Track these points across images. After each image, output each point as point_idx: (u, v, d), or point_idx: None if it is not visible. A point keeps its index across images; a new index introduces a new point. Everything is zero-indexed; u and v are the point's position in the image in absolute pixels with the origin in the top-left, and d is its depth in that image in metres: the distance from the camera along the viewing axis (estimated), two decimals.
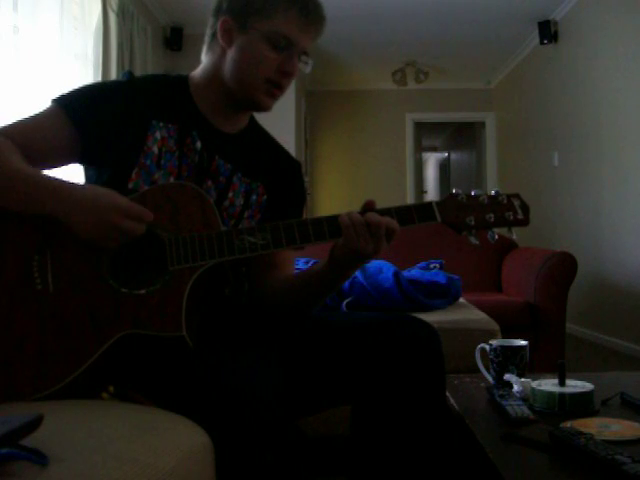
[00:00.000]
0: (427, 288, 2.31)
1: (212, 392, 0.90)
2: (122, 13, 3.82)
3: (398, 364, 1.04)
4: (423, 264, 2.61)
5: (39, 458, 0.65)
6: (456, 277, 2.46)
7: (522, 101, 6.22)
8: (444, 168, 10.55)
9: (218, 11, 1.17)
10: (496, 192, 1.10)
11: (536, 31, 5.23)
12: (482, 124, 7.40)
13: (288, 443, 0.92)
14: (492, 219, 1.08)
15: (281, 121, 5.24)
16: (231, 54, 1.15)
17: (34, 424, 0.68)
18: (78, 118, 1.11)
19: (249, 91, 1.15)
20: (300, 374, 1.10)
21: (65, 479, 0.63)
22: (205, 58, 1.22)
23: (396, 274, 2.26)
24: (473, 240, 1.09)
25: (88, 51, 3.48)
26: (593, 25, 4.47)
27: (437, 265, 2.64)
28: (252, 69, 1.14)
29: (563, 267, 2.94)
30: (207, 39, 1.21)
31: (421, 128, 7.70)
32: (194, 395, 0.91)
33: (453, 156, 9.86)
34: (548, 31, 5.12)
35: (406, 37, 5.66)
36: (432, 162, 11.55)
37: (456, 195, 1.09)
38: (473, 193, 1.10)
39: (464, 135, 8.60)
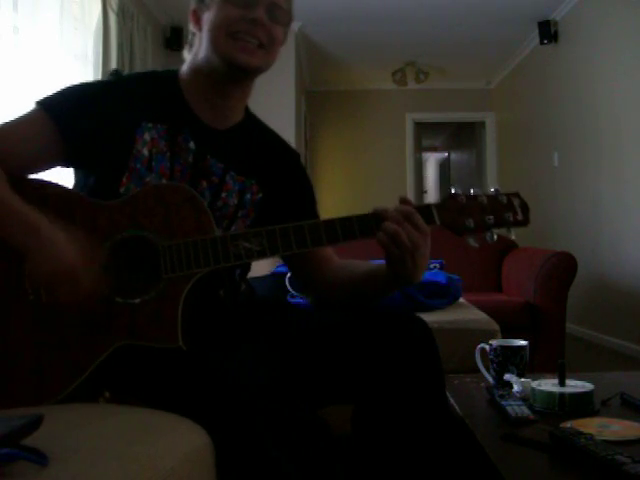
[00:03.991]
0: (427, 288, 2.31)
1: (209, 391, 0.89)
2: (122, 13, 3.82)
3: (393, 360, 1.03)
4: None
5: (39, 458, 0.65)
6: (456, 277, 2.46)
7: (522, 101, 6.22)
8: (444, 168, 10.54)
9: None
10: (496, 191, 1.08)
11: (536, 31, 5.22)
12: (482, 124, 7.39)
13: (299, 437, 0.88)
14: (492, 221, 1.06)
15: (281, 121, 5.22)
16: (203, 33, 1.15)
17: (34, 424, 0.68)
18: (61, 121, 1.08)
19: (223, 53, 1.11)
20: (295, 372, 1.08)
21: (65, 479, 0.63)
22: (187, 55, 1.21)
23: None
24: (472, 242, 1.07)
25: (88, 51, 3.47)
26: (593, 25, 4.46)
27: (437, 265, 2.64)
28: (219, 31, 1.12)
29: (563, 267, 2.94)
30: (189, 40, 1.21)
31: (421, 128, 7.69)
32: (191, 396, 0.90)
33: (453, 156, 9.85)
34: (548, 31, 5.11)
35: (406, 37, 5.66)
36: (432, 162, 11.54)
37: (455, 196, 1.07)
38: (472, 192, 1.08)
39: (464, 135, 8.59)
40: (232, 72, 1.14)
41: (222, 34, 1.11)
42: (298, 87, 5.58)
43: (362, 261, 1.25)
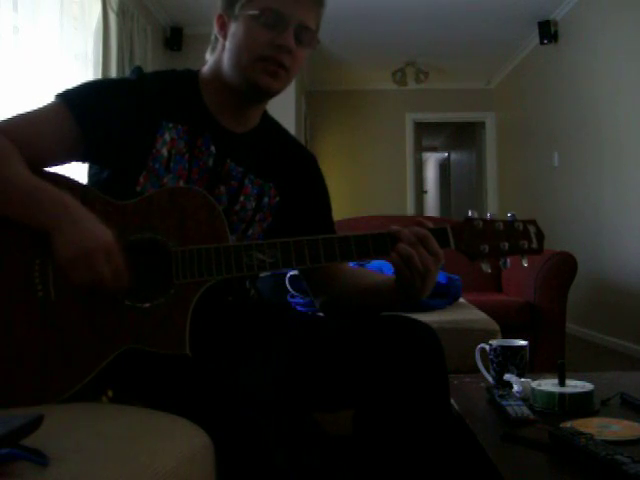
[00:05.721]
0: None
1: (214, 398, 0.89)
2: (122, 13, 3.82)
3: (400, 368, 1.01)
4: None
5: (39, 458, 0.65)
6: (456, 277, 2.46)
7: (522, 101, 6.22)
8: (444, 168, 10.55)
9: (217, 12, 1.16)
10: (512, 217, 1.06)
11: (536, 31, 5.23)
12: (482, 124, 7.40)
13: (297, 442, 0.89)
14: (506, 247, 1.04)
15: (281, 121, 5.21)
16: (227, 44, 1.12)
17: (35, 424, 0.68)
18: (82, 115, 1.06)
19: (246, 74, 1.10)
20: (300, 378, 1.08)
21: (65, 479, 0.63)
22: (209, 57, 1.19)
23: None
24: (485, 268, 1.05)
25: (88, 51, 3.48)
26: (593, 25, 4.47)
27: None
28: (244, 51, 1.09)
29: (563, 267, 2.93)
30: (212, 41, 1.19)
31: (421, 128, 7.70)
32: (196, 401, 0.90)
33: (453, 156, 9.86)
34: (548, 31, 5.12)
35: (406, 37, 5.66)
36: (432, 162, 11.54)
37: (472, 220, 1.05)
38: (489, 217, 1.06)
39: (464, 135, 8.60)
40: (253, 93, 1.14)
41: (249, 57, 1.09)
42: (298, 87, 5.58)
43: (371, 272, 1.23)
